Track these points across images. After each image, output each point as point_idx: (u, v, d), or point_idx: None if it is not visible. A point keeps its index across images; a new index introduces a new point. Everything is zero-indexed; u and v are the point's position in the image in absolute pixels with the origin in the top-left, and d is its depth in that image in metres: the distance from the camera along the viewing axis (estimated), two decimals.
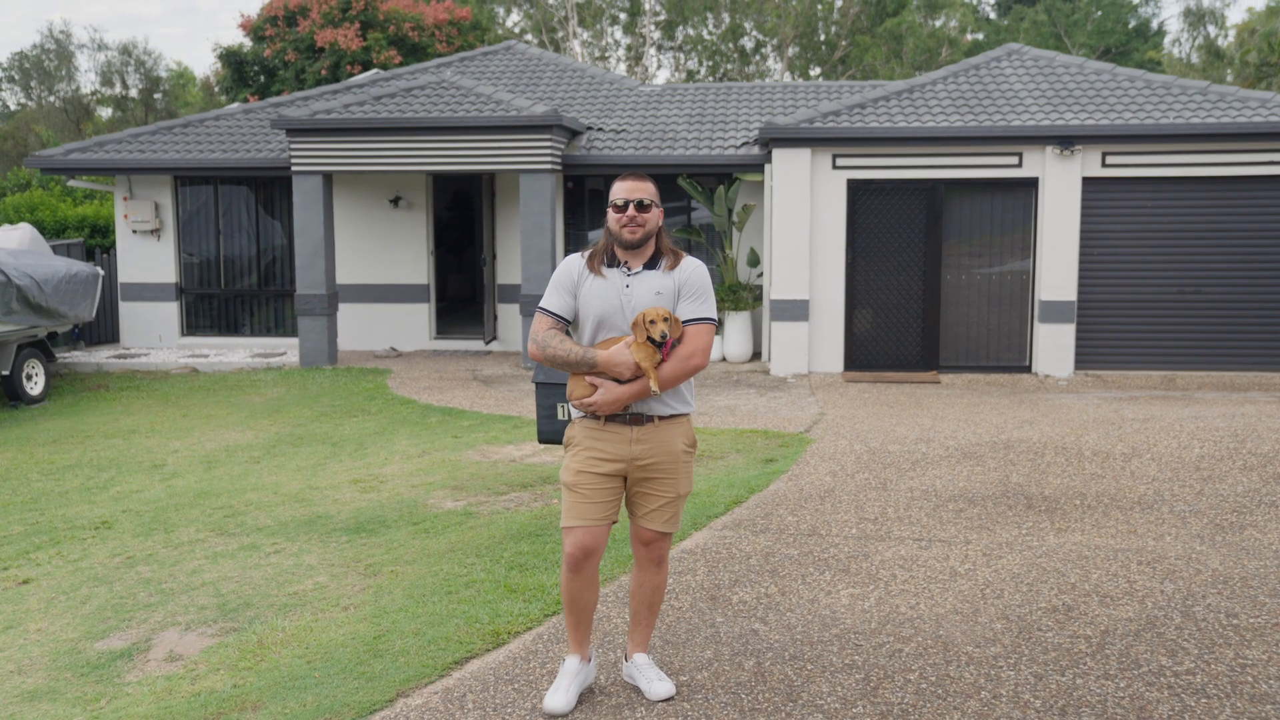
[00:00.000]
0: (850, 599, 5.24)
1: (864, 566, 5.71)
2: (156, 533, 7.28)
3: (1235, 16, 44.04)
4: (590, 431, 4.12)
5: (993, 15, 48.16)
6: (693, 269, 4.11)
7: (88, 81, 45.87)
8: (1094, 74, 14.45)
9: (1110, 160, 13.10)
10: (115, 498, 8.35)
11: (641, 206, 4.05)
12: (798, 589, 5.41)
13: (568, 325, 4.13)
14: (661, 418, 4.12)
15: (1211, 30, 39.77)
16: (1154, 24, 45.25)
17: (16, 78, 44.44)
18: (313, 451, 9.68)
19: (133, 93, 43.08)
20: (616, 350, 3.97)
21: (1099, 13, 43.77)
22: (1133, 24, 44.52)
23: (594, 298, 4.07)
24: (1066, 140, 12.95)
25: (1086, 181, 13.18)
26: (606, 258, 4.13)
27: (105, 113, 43.62)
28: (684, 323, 4.04)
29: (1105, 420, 9.90)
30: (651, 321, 3.95)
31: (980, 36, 43.36)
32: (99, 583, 6.32)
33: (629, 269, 4.08)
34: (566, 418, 4.83)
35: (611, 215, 4.10)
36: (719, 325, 14.70)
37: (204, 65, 48.30)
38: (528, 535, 6.58)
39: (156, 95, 43.23)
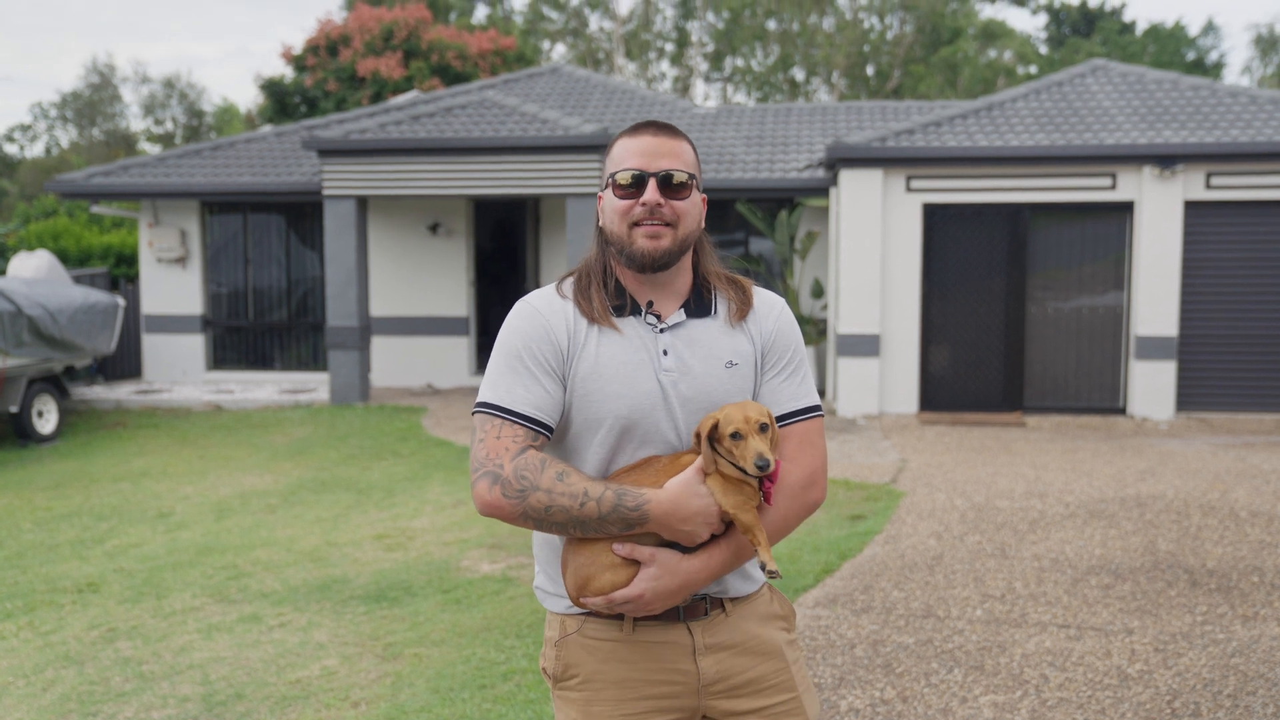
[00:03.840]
0: (995, 711, 4.08)
1: (1003, 663, 4.54)
2: (147, 598, 6.25)
3: None
4: (605, 649, 2.15)
5: (1044, 50, 47.04)
6: (779, 314, 2.24)
7: (133, 117, 45.77)
8: (1190, 90, 13.27)
9: (1215, 182, 11.89)
10: (109, 553, 7.35)
11: (671, 185, 2.13)
12: (923, 693, 4.25)
13: (548, 439, 2.12)
14: (734, 599, 2.21)
15: None
16: (1212, 56, 43.96)
17: (70, 116, 44.42)
18: (335, 500, 8.65)
19: (174, 126, 42.86)
20: (682, 486, 2.02)
21: (1153, 46, 42.57)
22: (1190, 57, 43.28)
23: (610, 379, 2.11)
24: (1167, 160, 11.76)
25: (1189, 205, 11.97)
26: (611, 295, 2.19)
27: (154, 150, 43.46)
28: (783, 419, 2.16)
29: (1238, 472, 8.65)
30: (735, 434, 2.01)
31: (1034, 70, 42.21)
32: (69, 663, 5.28)
33: (658, 317, 2.17)
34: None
35: (614, 202, 2.15)
36: None
37: (249, 101, 48.09)
38: None
39: (200, 129, 42.97)
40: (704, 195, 2.24)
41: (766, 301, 2.25)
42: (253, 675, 4.96)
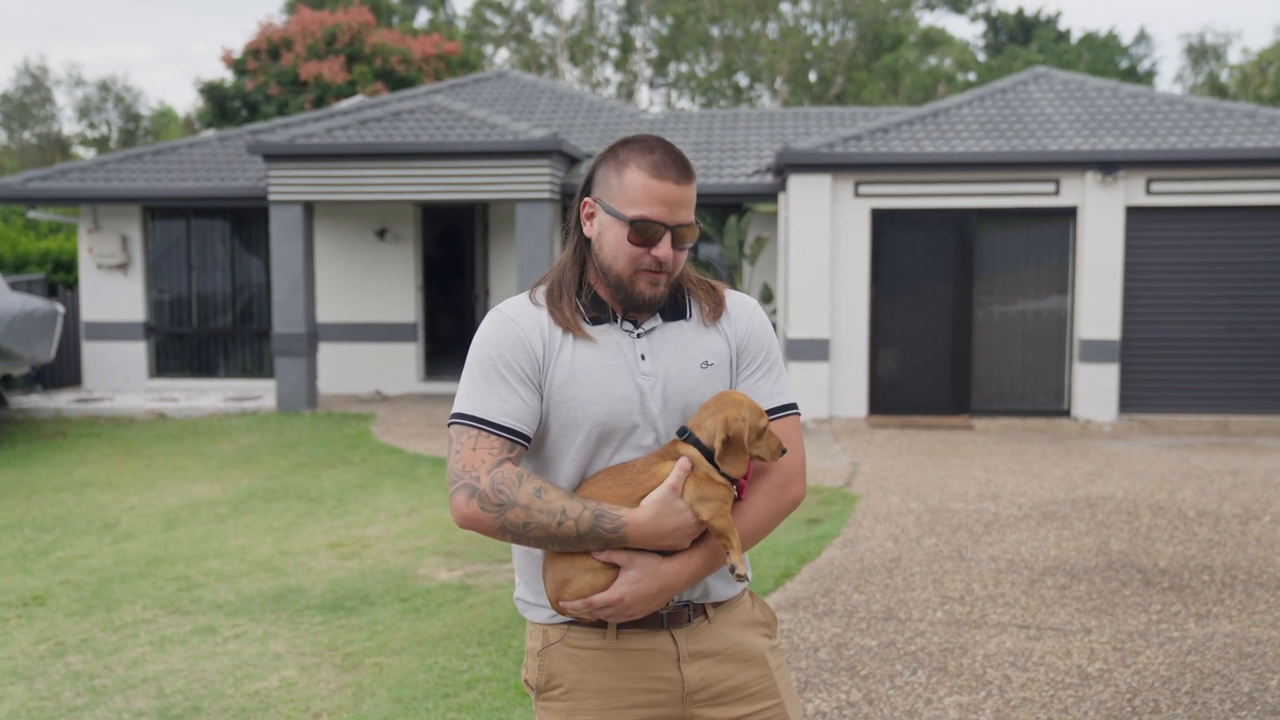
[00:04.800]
0: (959, 712, 4.12)
1: (965, 664, 4.58)
2: (96, 610, 6.11)
3: (1232, 57, 43.67)
4: (589, 658, 2.14)
5: (982, 57, 47.74)
6: (752, 313, 2.24)
7: (67, 120, 44.80)
8: (1130, 97, 13.53)
9: (1155, 188, 12.13)
10: (54, 565, 7.18)
11: (681, 238, 2.11)
12: (888, 695, 4.28)
13: (525, 449, 2.10)
14: (717, 604, 2.20)
15: (1213, 66, 39.31)
16: (1144, 64, 44.88)
17: (0, 119, 43.38)
18: (287, 508, 8.53)
19: (109, 129, 42.06)
20: (659, 505, 2.00)
21: (1088, 54, 43.38)
22: (1123, 65, 44.15)
23: (586, 384, 2.09)
24: (1109, 166, 11.97)
25: (1130, 211, 12.19)
26: (586, 305, 2.17)
27: (88, 154, 42.57)
28: None
29: (1182, 473, 8.82)
30: (730, 432, 2.03)
31: (972, 76, 42.83)
32: (17, 678, 5.16)
33: (634, 323, 2.16)
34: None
35: (623, 244, 2.09)
36: None
37: (188, 104, 47.19)
38: None
39: (137, 133, 42.22)
40: None
41: (739, 302, 2.24)
42: (210, 687, 4.87)
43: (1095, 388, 12.25)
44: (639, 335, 2.14)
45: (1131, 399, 12.39)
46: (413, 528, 7.68)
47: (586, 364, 2.09)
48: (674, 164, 2.10)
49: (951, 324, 12.54)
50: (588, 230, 2.17)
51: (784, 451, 2.07)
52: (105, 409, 13.63)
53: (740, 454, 2.02)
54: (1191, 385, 12.37)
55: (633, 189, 2.08)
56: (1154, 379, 12.39)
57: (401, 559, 6.84)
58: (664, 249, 2.08)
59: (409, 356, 14.93)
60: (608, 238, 2.12)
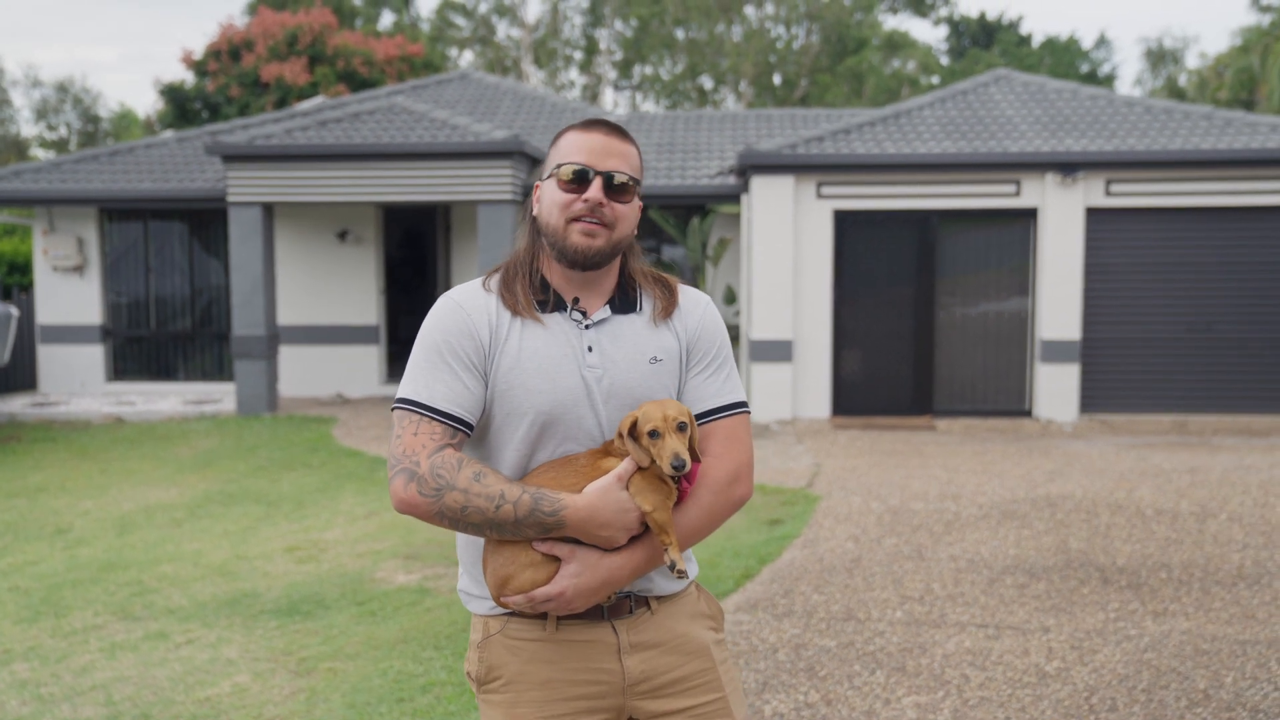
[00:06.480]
0: (918, 712, 4.10)
1: (924, 664, 4.57)
2: (45, 617, 6.00)
3: (1190, 61, 44.26)
4: (529, 649, 2.12)
5: (945, 60, 48.07)
6: (704, 311, 2.22)
7: (24, 121, 44.16)
8: (1089, 99, 13.63)
9: (1114, 189, 12.22)
10: (3, 572, 7.04)
11: (615, 187, 2.10)
12: (847, 696, 4.26)
13: (468, 436, 2.09)
14: (660, 598, 2.18)
15: (1172, 70, 39.78)
16: (1104, 68, 45.35)
17: None
18: (244, 512, 8.43)
19: (68, 131, 41.53)
20: (600, 492, 2.00)
21: (1049, 58, 43.79)
22: (1084, 69, 44.60)
23: (532, 373, 2.08)
24: (1068, 167, 12.05)
25: (1090, 212, 12.28)
26: (536, 289, 2.16)
27: (47, 156, 42.02)
28: (708, 415, 2.16)
29: (1141, 471, 8.88)
30: (653, 433, 2.00)
31: (935, 80, 43.09)
32: None
33: (584, 313, 2.14)
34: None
35: (555, 195, 2.11)
36: None
37: (148, 106, 46.65)
38: None
39: (97, 135, 41.71)
40: (640, 202, 2.22)
41: (692, 298, 2.22)
42: (159, 694, 4.78)
43: (1056, 388, 12.32)
44: (587, 326, 2.12)
45: (1092, 399, 12.47)
46: (372, 531, 7.61)
47: (533, 353, 2.08)
48: (602, 121, 2.16)
49: (914, 325, 12.58)
50: (535, 210, 2.18)
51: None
52: (61, 413, 13.43)
53: (638, 449, 2.02)
54: (1151, 385, 12.47)
55: (564, 147, 2.13)
56: (1114, 379, 12.48)
57: (359, 562, 6.76)
58: (594, 192, 2.08)
59: (370, 359, 14.81)
60: (545, 198, 2.15)
